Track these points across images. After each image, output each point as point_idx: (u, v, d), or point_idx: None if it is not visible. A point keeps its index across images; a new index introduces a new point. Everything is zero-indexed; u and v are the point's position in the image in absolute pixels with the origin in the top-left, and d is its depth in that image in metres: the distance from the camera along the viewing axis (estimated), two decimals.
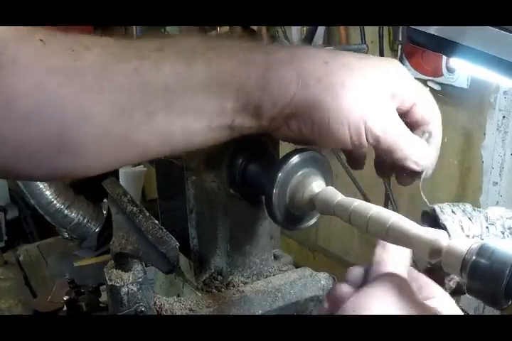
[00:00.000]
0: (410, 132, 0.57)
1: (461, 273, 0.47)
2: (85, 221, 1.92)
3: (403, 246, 0.53)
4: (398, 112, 0.57)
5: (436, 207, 0.60)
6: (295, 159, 0.61)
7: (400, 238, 0.52)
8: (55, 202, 1.86)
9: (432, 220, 0.60)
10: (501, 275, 0.44)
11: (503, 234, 0.59)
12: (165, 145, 0.55)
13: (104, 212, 1.95)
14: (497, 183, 1.16)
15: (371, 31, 1.31)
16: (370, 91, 0.54)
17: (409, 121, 0.58)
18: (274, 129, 0.58)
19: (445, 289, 0.57)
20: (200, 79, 0.52)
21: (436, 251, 0.49)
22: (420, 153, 0.58)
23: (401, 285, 0.51)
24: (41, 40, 0.49)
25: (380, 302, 0.49)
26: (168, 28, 2.16)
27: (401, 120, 0.57)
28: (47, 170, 0.53)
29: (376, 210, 0.55)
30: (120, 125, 0.51)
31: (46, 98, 0.48)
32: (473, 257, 0.46)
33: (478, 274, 0.46)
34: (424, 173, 0.60)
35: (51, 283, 1.49)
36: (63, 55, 0.49)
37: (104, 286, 0.88)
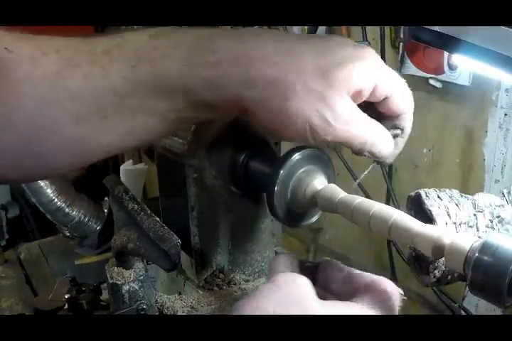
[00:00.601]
0: (370, 122, 0.56)
1: (464, 270, 0.47)
2: (86, 219, 1.92)
3: (406, 243, 0.53)
4: (370, 101, 0.57)
5: (422, 192, 0.58)
6: (297, 156, 0.61)
7: (403, 235, 0.52)
8: (56, 200, 1.86)
9: (417, 206, 0.59)
10: (505, 272, 0.44)
11: (492, 222, 0.57)
12: (127, 142, 0.57)
13: (105, 210, 1.94)
14: (499, 181, 1.16)
15: (373, 28, 1.30)
16: (322, 90, 0.53)
17: (382, 111, 0.58)
18: (233, 117, 0.60)
19: (430, 278, 0.56)
20: (146, 82, 0.53)
21: (439, 248, 0.49)
22: (379, 144, 0.57)
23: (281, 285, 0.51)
24: (6, 48, 0.51)
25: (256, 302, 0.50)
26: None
27: (359, 111, 0.55)
28: (19, 173, 0.55)
29: (378, 208, 0.55)
30: (79, 130, 0.53)
31: (12, 109, 0.50)
32: (476, 254, 0.46)
33: (481, 271, 0.45)
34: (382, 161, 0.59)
35: (52, 281, 1.49)
36: (25, 63, 0.51)
37: (105, 284, 0.87)
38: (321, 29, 1.45)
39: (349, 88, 0.53)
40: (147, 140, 0.58)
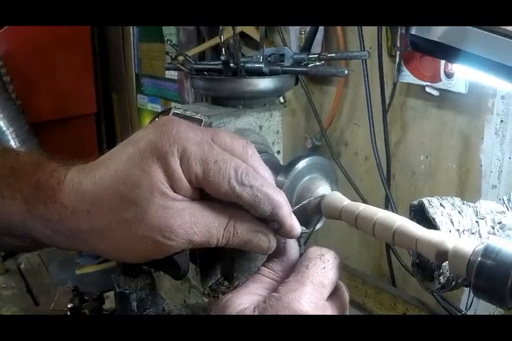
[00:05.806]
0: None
1: (468, 274, 0.48)
2: None
3: (410, 248, 0.54)
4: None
5: (425, 200, 0.59)
6: (301, 165, 0.62)
7: (406, 241, 0.53)
8: None
9: (420, 214, 0.60)
10: (507, 275, 0.45)
11: (493, 228, 0.58)
12: None
13: None
14: (496, 186, 1.17)
15: (369, 37, 1.32)
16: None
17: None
18: None
19: (435, 284, 0.57)
20: None
21: (442, 253, 0.50)
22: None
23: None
24: None
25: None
26: (164, 28, 2.17)
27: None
28: None
29: (382, 214, 0.56)
30: None
31: None
32: (479, 258, 0.47)
33: (484, 275, 0.46)
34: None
35: (53, 290, 1.49)
36: None
37: (107, 293, 0.88)
38: (319, 36, 1.46)
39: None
40: None
